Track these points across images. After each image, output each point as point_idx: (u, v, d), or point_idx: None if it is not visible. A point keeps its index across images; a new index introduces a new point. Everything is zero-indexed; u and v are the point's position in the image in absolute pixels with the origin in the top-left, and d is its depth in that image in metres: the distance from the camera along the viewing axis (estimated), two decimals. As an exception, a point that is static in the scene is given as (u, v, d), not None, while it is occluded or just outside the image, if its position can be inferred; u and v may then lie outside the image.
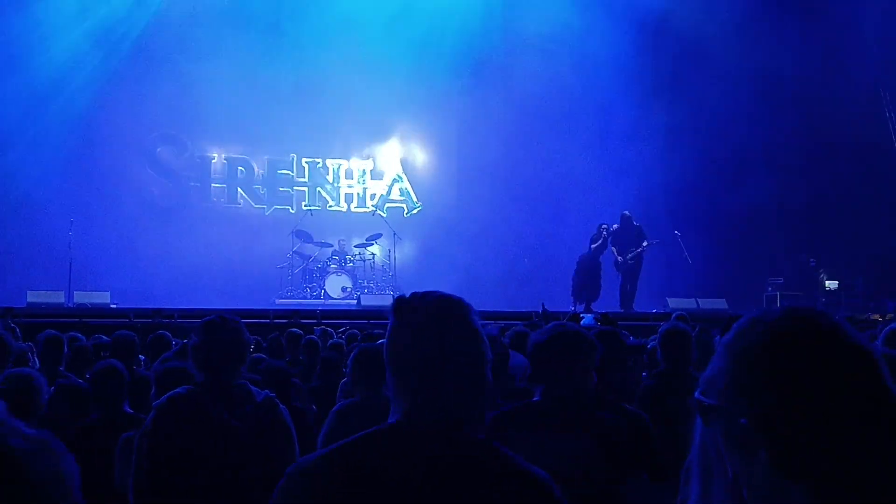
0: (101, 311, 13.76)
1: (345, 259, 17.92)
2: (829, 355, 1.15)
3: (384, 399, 3.80)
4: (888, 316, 14.26)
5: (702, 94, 18.59)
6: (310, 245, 18.14)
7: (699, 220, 18.18)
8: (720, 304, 15.90)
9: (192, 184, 19.36)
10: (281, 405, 3.42)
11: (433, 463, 1.78)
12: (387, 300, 15.34)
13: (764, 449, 1.13)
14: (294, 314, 11.96)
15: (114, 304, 14.91)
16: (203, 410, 3.27)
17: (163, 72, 17.76)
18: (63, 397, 4.88)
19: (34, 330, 7.92)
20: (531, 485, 1.84)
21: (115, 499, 3.82)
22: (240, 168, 19.62)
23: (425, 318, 1.89)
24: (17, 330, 8.01)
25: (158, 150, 18.96)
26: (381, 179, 20.32)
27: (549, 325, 3.57)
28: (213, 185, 19.55)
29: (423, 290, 1.98)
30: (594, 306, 15.56)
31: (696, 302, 15.64)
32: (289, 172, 19.83)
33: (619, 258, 16.29)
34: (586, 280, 16.27)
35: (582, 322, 6.80)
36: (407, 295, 1.97)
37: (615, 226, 16.42)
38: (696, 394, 1.22)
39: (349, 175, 20.23)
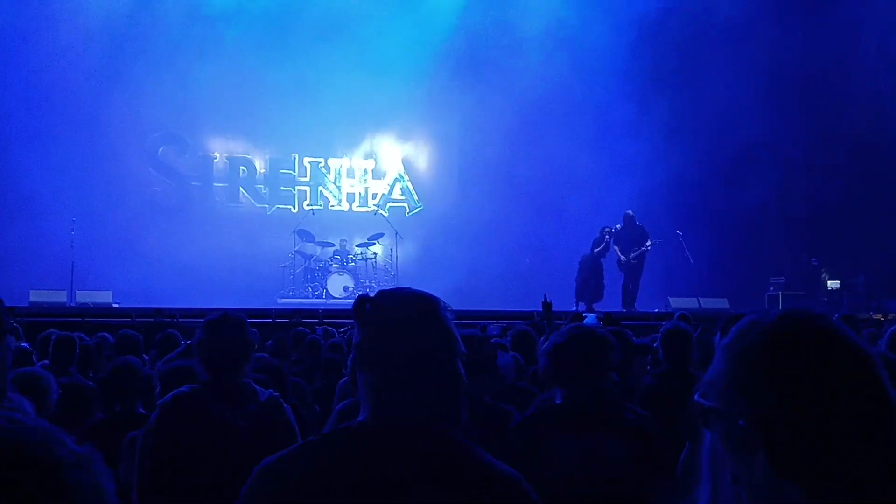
0: (103, 310, 13.78)
1: (347, 258, 17.92)
2: (827, 357, 1.16)
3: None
4: (890, 316, 14.25)
5: (704, 93, 18.57)
6: (311, 244, 18.14)
7: (701, 220, 18.17)
8: (722, 303, 15.90)
9: (194, 183, 19.37)
10: (285, 405, 3.43)
11: (398, 461, 1.75)
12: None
13: (762, 450, 1.14)
14: (296, 314, 11.97)
15: (116, 303, 14.93)
16: (207, 409, 3.27)
17: (165, 71, 17.75)
18: (70, 397, 4.88)
19: (36, 329, 7.93)
20: (501, 483, 1.79)
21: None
22: (242, 167, 19.62)
23: (391, 316, 1.86)
24: (20, 329, 8.02)
25: (160, 149, 18.96)
26: (382, 179, 20.32)
27: (566, 327, 3.58)
28: (215, 184, 19.56)
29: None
30: (596, 306, 15.55)
31: (698, 301, 15.64)
32: (291, 172, 19.83)
33: (622, 257, 16.29)
34: (589, 280, 16.28)
35: (584, 322, 6.80)
36: (380, 290, 1.96)
37: (618, 225, 16.44)
38: (696, 396, 1.23)
39: (351, 174, 20.22)
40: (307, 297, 17.24)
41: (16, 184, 16.85)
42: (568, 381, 3.34)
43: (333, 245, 18.19)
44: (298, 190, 19.82)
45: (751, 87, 18.72)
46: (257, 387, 3.42)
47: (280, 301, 16.90)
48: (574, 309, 14.69)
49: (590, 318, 7.60)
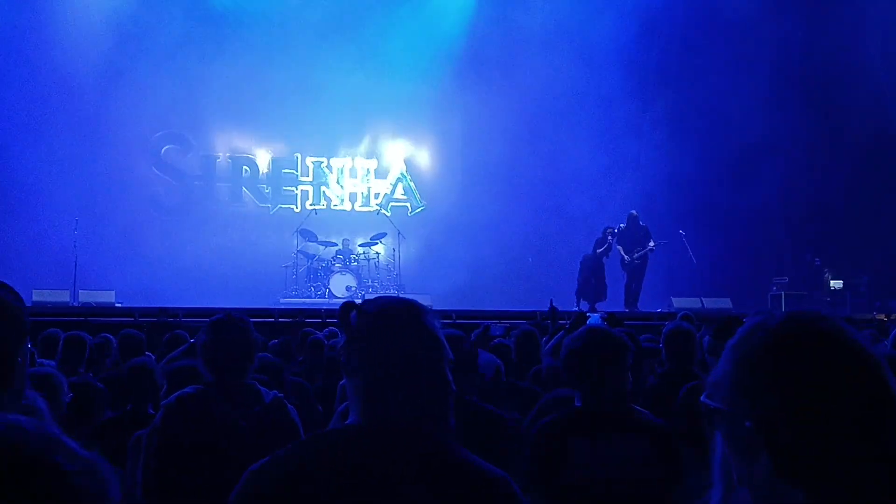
0: (105, 309, 13.79)
1: (349, 258, 17.92)
2: (830, 359, 1.16)
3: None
4: (893, 316, 14.23)
5: (706, 92, 18.56)
6: (314, 244, 18.14)
7: (704, 220, 18.16)
8: (725, 303, 15.89)
9: (197, 183, 19.39)
10: (289, 406, 3.43)
11: (386, 462, 1.76)
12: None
13: (766, 451, 1.14)
14: (299, 313, 11.96)
15: (118, 303, 14.94)
16: (211, 410, 3.28)
17: (168, 71, 17.76)
18: (82, 396, 4.88)
19: (39, 329, 7.94)
20: (488, 484, 1.81)
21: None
22: (244, 167, 19.63)
23: (376, 321, 1.89)
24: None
25: (164, 149, 18.98)
26: (385, 178, 20.32)
27: (581, 329, 3.57)
28: (217, 183, 19.58)
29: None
30: (599, 306, 15.55)
31: (701, 301, 15.62)
32: (293, 171, 19.84)
33: (625, 257, 16.28)
34: (591, 280, 16.27)
35: (588, 322, 6.80)
36: (365, 299, 1.99)
37: (622, 225, 16.43)
38: (702, 397, 1.23)
39: (353, 174, 20.23)
40: (310, 297, 17.24)
41: (19, 183, 16.87)
42: (589, 384, 3.33)
43: (336, 245, 18.19)
44: (301, 189, 19.83)
45: (754, 87, 18.70)
46: (262, 388, 3.43)
47: (283, 301, 16.89)
48: (575, 308, 14.70)
49: (593, 318, 7.60)
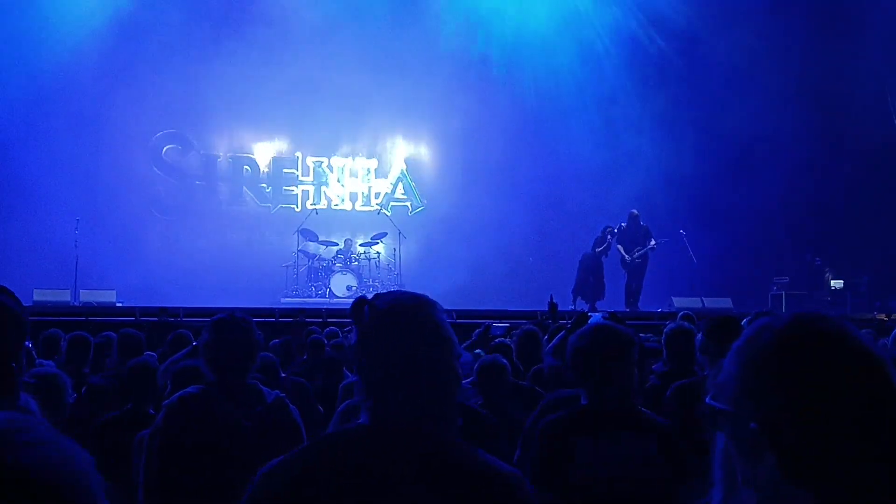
0: (106, 309, 13.79)
1: (350, 258, 17.93)
2: (835, 360, 1.16)
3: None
4: (893, 316, 14.23)
5: (707, 92, 18.56)
6: (315, 244, 18.16)
7: (704, 219, 18.15)
8: (725, 303, 15.88)
9: (198, 182, 19.39)
10: (291, 406, 3.43)
11: (399, 463, 1.76)
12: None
13: (771, 453, 1.14)
14: (300, 313, 11.97)
15: (119, 302, 14.94)
16: (213, 410, 3.28)
17: (169, 71, 17.77)
18: (92, 397, 4.89)
19: (40, 329, 7.94)
20: (503, 483, 1.80)
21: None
22: (245, 167, 19.64)
23: (382, 319, 1.87)
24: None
25: (164, 149, 18.98)
26: (385, 178, 20.33)
27: (586, 327, 3.55)
28: (218, 183, 19.58)
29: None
30: (599, 305, 15.54)
31: (702, 301, 15.61)
32: (294, 171, 19.85)
33: (626, 256, 16.27)
34: (589, 279, 16.26)
35: (590, 322, 6.79)
36: (377, 294, 1.96)
37: (623, 224, 16.42)
38: (707, 398, 1.23)
39: (354, 173, 20.23)
40: (311, 297, 17.25)
41: (19, 183, 16.87)
42: (593, 382, 3.31)
43: (337, 244, 18.20)
44: (302, 189, 19.84)
45: (755, 86, 18.70)
46: (264, 388, 3.42)
47: (283, 300, 16.90)
48: (571, 307, 14.69)
49: (595, 317, 7.59)
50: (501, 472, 1.82)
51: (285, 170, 19.80)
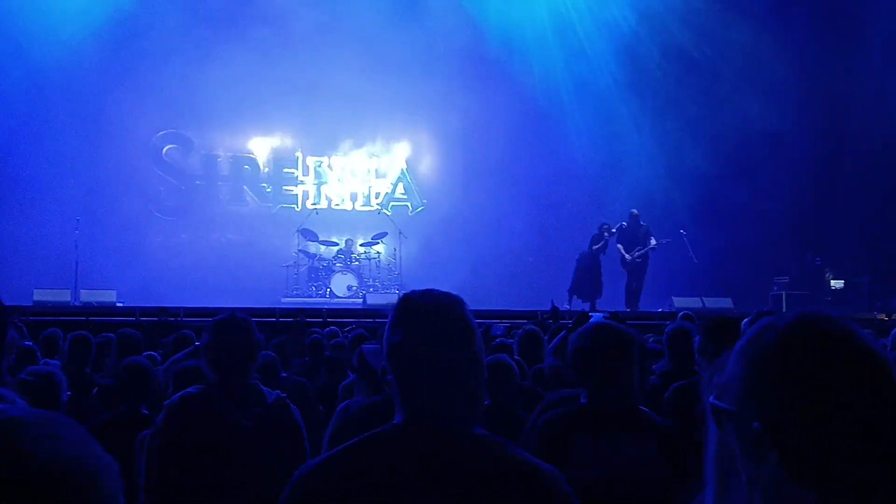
0: (107, 309, 13.79)
1: (350, 258, 17.94)
2: (839, 359, 1.15)
3: (388, 399, 3.81)
4: (894, 316, 14.23)
5: (707, 92, 18.56)
6: (315, 243, 18.17)
7: (705, 219, 18.15)
8: (726, 303, 15.88)
9: (198, 182, 19.40)
10: (292, 406, 3.43)
11: (441, 462, 1.78)
12: (393, 298, 15.37)
13: (774, 453, 1.14)
14: (300, 313, 11.97)
15: (120, 302, 14.94)
16: (214, 410, 3.28)
17: (169, 70, 17.76)
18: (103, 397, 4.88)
19: (40, 329, 7.95)
20: (539, 480, 1.83)
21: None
22: (245, 166, 19.65)
23: (429, 319, 1.89)
24: (25, 329, 8.03)
25: (165, 148, 18.99)
26: (385, 178, 20.34)
27: (585, 325, 3.54)
28: (218, 183, 19.59)
29: (428, 287, 1.99)
30: (599, 305, 15.53)
31: (702, 301, 15.61)
32: (294, 171, 19.85)
33: (626, 256, 16.25)
34: (586, 278, 16.24)
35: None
36: (410, 292, 1.98)
37: (624, 224, 16.39)
38: (711, 398, 1.22)
39: (354, 173, 20.24)
40: (311, 297, 17.26)
41: (20, 183, 16.88)
42: (594, 382, 3.29)
43: (337, 244, 18.22)
44: (302, 189, 19.85)
45: (756, 86, 18.70)
46: (265, 388, 3.42)
47: (284, 300, 16.91)
48: (567, 307, 14.68)
49: (595, 317, 7.58)
50: (540, 468, 1.86)
51: (285, 169, 19.81)
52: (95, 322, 11.23)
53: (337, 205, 19.98)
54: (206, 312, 8.91)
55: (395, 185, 20.35)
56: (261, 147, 19.72)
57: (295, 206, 19.62)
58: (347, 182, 20.16)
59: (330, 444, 3.75)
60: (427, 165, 20.52)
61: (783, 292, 17.16)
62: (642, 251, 16.18)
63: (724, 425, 1.21)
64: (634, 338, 3.39)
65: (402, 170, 20.35)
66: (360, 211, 20.00)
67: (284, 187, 19.79)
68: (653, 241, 16.20)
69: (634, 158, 18.65)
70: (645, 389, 5.20)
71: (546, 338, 6.79)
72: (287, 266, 17.92)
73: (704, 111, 18.61)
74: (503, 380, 4.81)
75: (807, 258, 18.97)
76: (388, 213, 19.11)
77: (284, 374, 6.19)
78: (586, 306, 15.24)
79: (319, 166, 19.98)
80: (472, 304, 2.03)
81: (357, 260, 17.99)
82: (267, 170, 19.75)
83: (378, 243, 18.24)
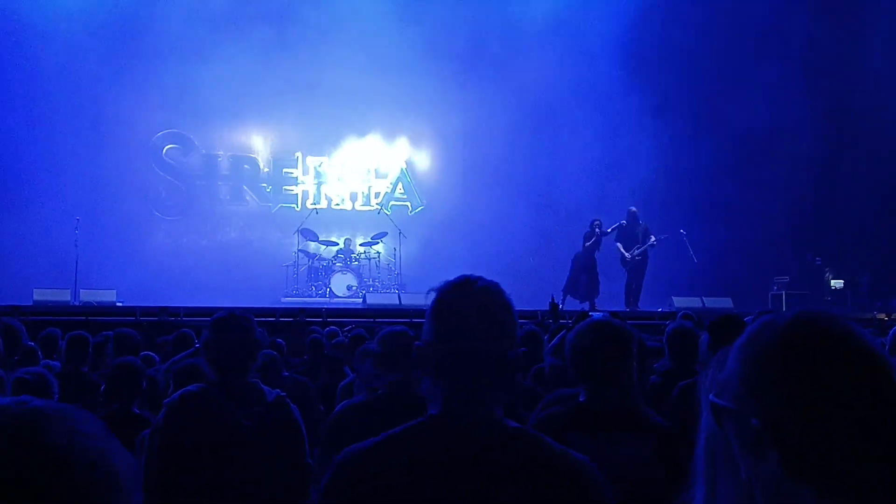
0: (107, 309, 13.79)
1: (350, 257, 17.94)
2: (839, 358, 1.16)
3: (386, 397, 3.80)
4: (894, 315, 14.23)
5: (707, 92, 18.56)
6: (315, 243, 18.18)
7: (705, 219, 18.15)
8: (726, 303, 15.86)
9: (198, 182, 19.41)
10: (292, 405, 3.42)
11: (476, 452, 1.81)
12: (392, 298, 15.43)
13: (774, 450, 1.14)
14: (300, 312, 11.98)
15: (120, 302, 14.94)
16: (214, 409, 3.27)
17: (169, 70, 17.76)
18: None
19: (40, 328, 7.94)
20: (573, 468, 1.87)
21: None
22: (245, 166, 19.66)
23: (470, 310, 1.92)
24: (24, 329, 8.02)
25: (165, 148, 19.00)
26: (385, 177, 20.35)
27: (584, 322, 3.51)
28: (218, 183, 19.60)
29: (453, 279, 2.00)
30: (598, 305, 15.53)
31: (702, 301, 15.61)
32: (294, 170, 19.86)
33: (626, 255, 16.24)
34: (582, 278, 16.22)
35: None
36: (446, 283, 2.00)
37: (623, 222, 16.37)
38: (711, 395, 1.23)
39: (354, 173, 20.25)
40: (311, 297, 17.26)
41: (20, 182, 16.89)
42: (593, 380, 3.26)
43: (337, 244, 18.23)
44: (302, 189, 19.86)
45: (756, 84, 18.70)
46: (265, 387, 3.42)
47: (284, 300, 16.91)
48: (561, 307, 14.65)
49: (595, 317, 7.58)
50: (572, 456, 1.90)
51: (285, 169, 19.82)
52: (95, 322, 11.23)
53: (337, 205, 19.99)
54: (206, 312, 8.89)
55: (395, 185, 20.36)
56: (261, 147, 19.73)
57: (295, 205, 19.63)
58: (347, 182, 20.17)
59: (322, 446, 3.72)
60: (427, 165, 20.53)
61: (783, 292, 17.15)
62: (641, 248, 16.17)
63: (723, 423, 1.21)
64: (633, 332, 3.37)
65: (402, 169, 20.36)
66: (360, 211, 20.01)
67: (284, 187, 19.80)
68: (652, 238, 16.18)
69: (634, 158, 18.64)
70: (645, 388, 5.20)
71: (546, 337, 6.80)
72: (287, 266, 17.94)
73: (704, 111, 18.62)
74: None
75: (807, 258, 18.97)
76: (388, 213, 19.12)
77: (286, 373, 6.19)
78: (583, 305, 15.24)
79: (319, 166, 19.99)
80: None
81: (357, 260, 17.99)
82: (267, 169, 19.76)
83: (378, 243, 18.24)
